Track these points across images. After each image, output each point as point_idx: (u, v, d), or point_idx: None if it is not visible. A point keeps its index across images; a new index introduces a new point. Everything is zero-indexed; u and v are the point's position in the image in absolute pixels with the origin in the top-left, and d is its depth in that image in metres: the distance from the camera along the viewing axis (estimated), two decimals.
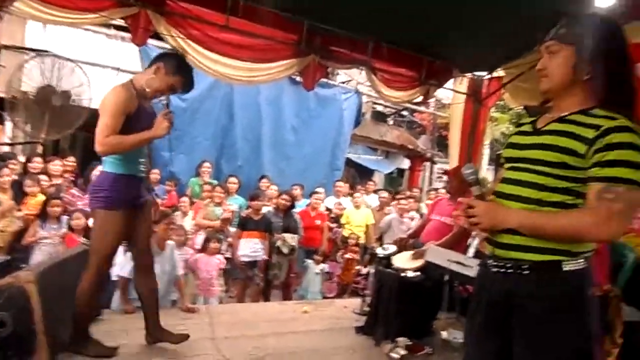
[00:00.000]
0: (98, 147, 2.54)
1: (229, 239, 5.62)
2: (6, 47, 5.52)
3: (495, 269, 1.56)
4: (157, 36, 4.00)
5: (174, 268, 4.06)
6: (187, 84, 2.85)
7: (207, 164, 6.84)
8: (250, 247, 5.35)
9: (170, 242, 4.14)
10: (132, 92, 2.68)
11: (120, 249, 3.91)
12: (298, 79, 4.84)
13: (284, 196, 5.75)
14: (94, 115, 6.76)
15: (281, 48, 4.35)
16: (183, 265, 4.36)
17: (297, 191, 6.93)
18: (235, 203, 6.19)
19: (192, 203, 6.16)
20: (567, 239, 1.42)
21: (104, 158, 2.71)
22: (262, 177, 7.25)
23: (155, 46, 6.91)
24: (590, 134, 1.40)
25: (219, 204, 5.84)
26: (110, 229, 2.69)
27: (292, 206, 5.79)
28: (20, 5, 3.33)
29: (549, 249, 1.44)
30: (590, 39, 1.45)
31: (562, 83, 1.51)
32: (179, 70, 2.78)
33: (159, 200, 5.95)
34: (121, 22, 3.95)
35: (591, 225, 1.36)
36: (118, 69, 7.51)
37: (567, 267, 1.44)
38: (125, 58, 7.39)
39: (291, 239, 5.45)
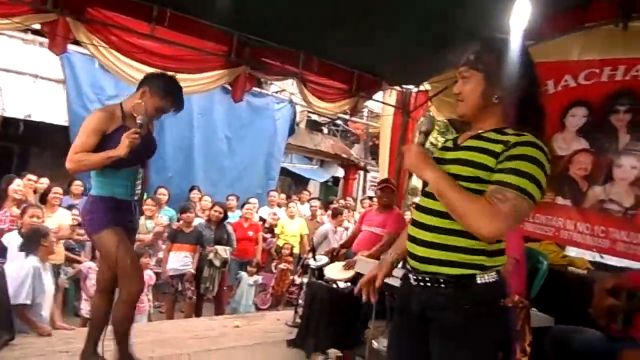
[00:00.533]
0: (66, 164, 2.55)
1: (160, 254, 5.44)
2: None
3: (415, 282, 1.61)
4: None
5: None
6: (177, 103, 2.78)
7: None
8: (179, 261, 5.22)
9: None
10: (112, 113, 2.64)
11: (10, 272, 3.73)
12: (230, 88, 4.81)
13: (216, 208, 5.66)
14: (9, 123, 6.40)
15: (211, 59, 4.28)
16: None
17: (233, 202, 6.86)
18: (165, 215, 6.02)
19: None
20: (456, 216, 1.47)
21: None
22: (192, 188, 7.09)
23: (78, 52, 6.63)
24: (499, 148, 1.48)
25: (150, 217, 5.65)
26: (116, 244, 2.60)
27: (225, 217, 5.70)
28: None
29: (464, 263, 1.50)
30: (497, 64, 1.54)
31: (475, 107, 1.59)
32: (166, 91, 2.71)
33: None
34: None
35: (477, 215, 1.42)
36: (36, 76, 7.11)
37: (480, 280, 1.51)
38: (44, 64, 7.00)
39: (223, 251, 5.37)
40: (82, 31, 3.54)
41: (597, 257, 3.84)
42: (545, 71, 3.85)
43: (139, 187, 2.82)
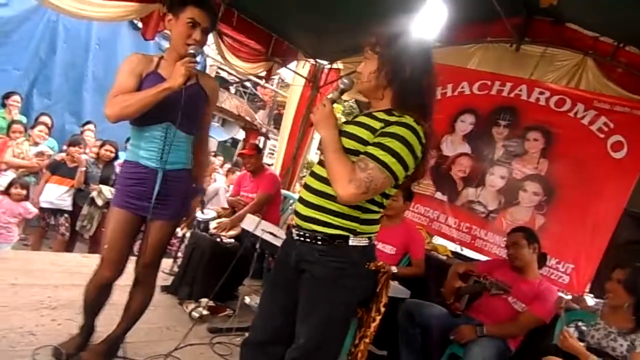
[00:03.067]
0: (105, 111, 2.07)
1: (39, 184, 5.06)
2: None
3: (296, 237, 1.76)
4: None
5: None
6: (203, 10, 2.14)
7: (16, 97, 5.98)
8: (57, 195, 4.92)
9: None
10: (150, 58, 2.21)
11: None
12: (140, 25, 4.50)
13: (107, 147, 5.37)
14: None
15: None
16: None
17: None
18: (46, 145, 5.59)
19: None
20: (329, 176, 1.63)
21: None
22: (88, 122, 6.60)
23: None
24: (378, 126, 1.64)
25: (36, 144, 5.21)
26: (108, 227, 2.22)
27: (116, 157, 5.43)
28: None
29: (338, 225, 1.67)
30: (392, 50, 1.68)
31: (369, 86, 1.73)
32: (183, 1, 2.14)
33: None
34: None
35: (338, 177, 1.58)
36: None
37: (352, 243, 1.68)
38: None
39: (107, 191, 5.13)
40: None
41: (457, 248, 4.32)
42: (447, 74, 4.19)
43: (180, 153, 2.23)
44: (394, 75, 1.67)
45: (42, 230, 5.04)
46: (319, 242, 1.68)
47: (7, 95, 5.99)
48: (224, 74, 13.11)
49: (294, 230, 1.78)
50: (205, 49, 9.20)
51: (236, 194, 4.42)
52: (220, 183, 6.87)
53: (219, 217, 4.22)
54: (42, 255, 4.33)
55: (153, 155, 2.17)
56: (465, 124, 4.28)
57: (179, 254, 4.54)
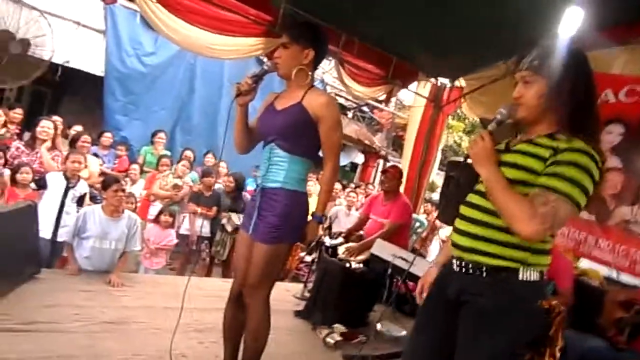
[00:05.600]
0: None
1: (184, 214, 5.54)
2: None
3: (457, 269, 1.66)
4: None
5: (130, 240, 3.88)
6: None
7: (161, 134, 6.69)
8: (198, 223, 5.33)
9: (129, 212, 3.99)
10: (276, 93, 2.45)
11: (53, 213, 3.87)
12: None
13: (229, 178, 5.73)
14: (51, 68, 6.48)
15: (252, 27, 4.30)
16: None
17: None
18: (189, 177, 6.10)
19: (142, 172, 6.04)
20: (501, 215, 1.53)
21: None
22: (207, 152, 7.09)
23: (122, 5, 6.73)
24: (547, 154, 1.52)
25: (179, 177, 5.74)
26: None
27: (238, 188, 5.74)
28: None
29: (506, 257, 1.55)
30: (560, 71, 1.54)
31: (535, 111, 1.60)
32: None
33: (105, 167, 5.77)
34: None
35: (518, 215, 1.47)
36: (78, 23, 7.20)
37: (522, 277, 1.55)
38: (87, 12, 7.11)
39: (237, 218, 5.44)
40: None
41: (613, 273, 3.85)
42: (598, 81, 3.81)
43: (279, 172, 2.21)
44: (569, 97, 1.54)
45: (186, 256, 5.48)
46: (485, 275, 1.58)
47: (155, 133, 6.72)
48: (341, 100, 13.42)
49: (454, 262, 1.69)
50: (324, 75, 9.54)
51: (366, 215, 4.42)
52: (340, 206, 6.92)
53: (346, 242, 4.25)
54: (186, 279, 4.66)
55: (261, 174, 2.30)
56: (613, 135, 3.83)
57: (309, 278, 4.62)
